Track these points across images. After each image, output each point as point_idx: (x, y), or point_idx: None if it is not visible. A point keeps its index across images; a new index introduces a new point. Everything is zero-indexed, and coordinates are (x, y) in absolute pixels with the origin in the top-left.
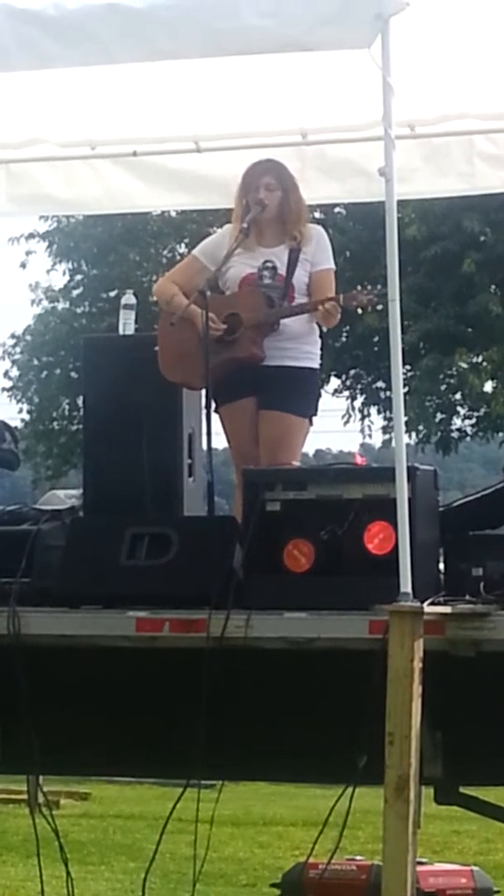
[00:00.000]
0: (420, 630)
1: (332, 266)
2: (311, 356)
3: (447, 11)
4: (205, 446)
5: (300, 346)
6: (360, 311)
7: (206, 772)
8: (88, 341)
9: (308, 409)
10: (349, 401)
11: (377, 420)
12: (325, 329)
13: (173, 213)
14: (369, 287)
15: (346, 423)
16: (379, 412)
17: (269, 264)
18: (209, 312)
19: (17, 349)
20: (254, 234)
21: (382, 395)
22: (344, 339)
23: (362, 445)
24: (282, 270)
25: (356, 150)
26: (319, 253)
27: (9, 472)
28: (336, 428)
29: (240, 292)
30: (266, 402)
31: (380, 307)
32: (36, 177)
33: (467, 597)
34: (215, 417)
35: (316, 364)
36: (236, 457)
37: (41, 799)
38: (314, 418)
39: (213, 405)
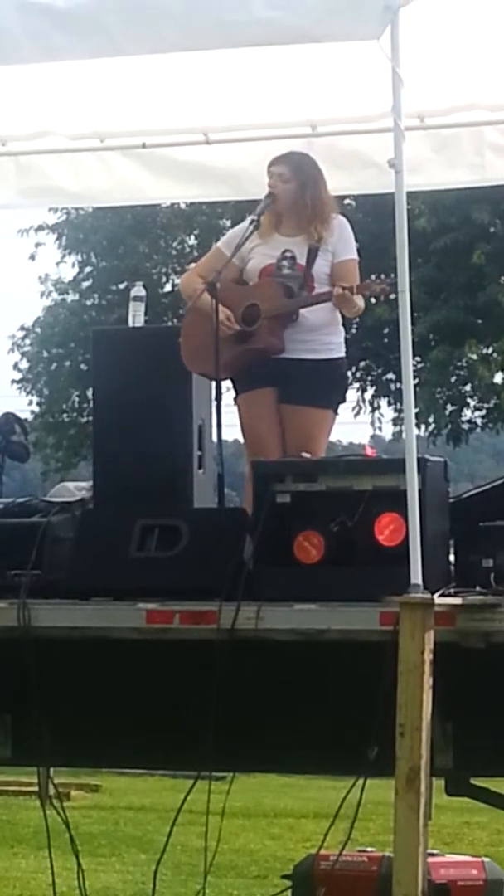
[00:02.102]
0: (431, 621)
1: (355, 256)
2: (331, 347)
3: (456, 2)
4: (215, 438)
5: (319, 337)
6: (373, 300)
7: (216, 763)
8: (98, 333)
9: (330, 401)
10: (359, 392)
11: (387, 412)
12: (347, 318)
13: (183, 205)
14: (383, 276)
15: (357, 414)
16: (389, 404)
17: (288, 254)
18: (228, 305)
19: (27, 341)
20: (272, 223)
21: (392, 386)
22: (354, 330)
23: (372, 437)
24: (301, 260)
25: (366, 142)
26: (342, 243)
27: (19, 465)
28: (346, 420)
29: (259, 283)
30: (287, 397)
31: (392, 296)
32: (45, 169)
33: (478, 588)
34: (226, 409)
35: (338, 354)
36: (250, 446)
37: (52, 791)
38: (340, 407)
39: (234, 394)
